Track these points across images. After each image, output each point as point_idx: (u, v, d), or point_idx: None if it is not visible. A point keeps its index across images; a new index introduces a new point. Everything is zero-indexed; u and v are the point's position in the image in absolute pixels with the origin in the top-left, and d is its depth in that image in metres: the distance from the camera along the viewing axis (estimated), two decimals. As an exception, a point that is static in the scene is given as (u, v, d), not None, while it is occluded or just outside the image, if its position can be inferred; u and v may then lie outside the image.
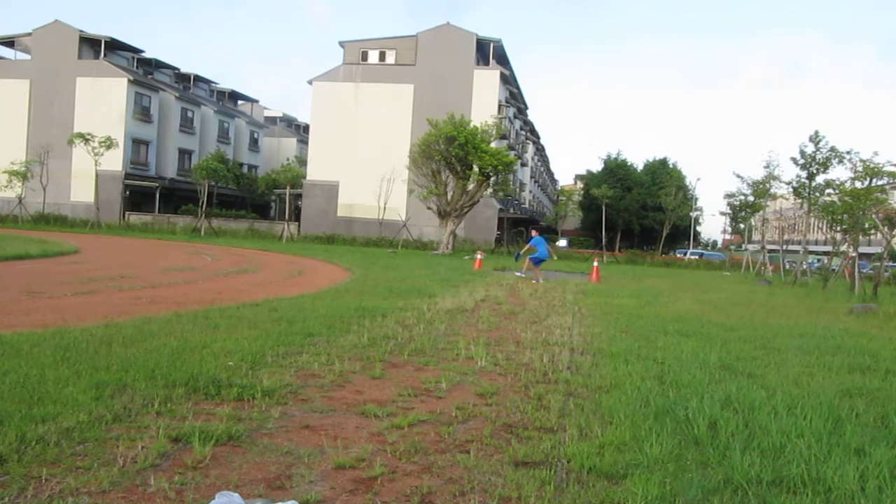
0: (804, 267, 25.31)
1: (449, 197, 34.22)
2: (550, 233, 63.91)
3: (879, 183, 22.44)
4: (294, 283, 14.44)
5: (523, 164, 59.54)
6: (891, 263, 24.57)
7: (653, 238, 56.86)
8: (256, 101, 67.42)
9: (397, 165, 36.78)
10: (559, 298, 13.21)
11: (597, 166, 64.66)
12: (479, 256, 23.73)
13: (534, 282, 17.97)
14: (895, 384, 5.87)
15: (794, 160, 26.48)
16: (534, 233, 20.38)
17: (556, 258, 19.62)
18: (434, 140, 33.11)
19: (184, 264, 18.19)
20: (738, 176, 41.96)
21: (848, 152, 24.39)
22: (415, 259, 26.33)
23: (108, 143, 39.71)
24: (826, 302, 15.41)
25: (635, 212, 56.68)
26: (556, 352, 6.98)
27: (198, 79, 58.07)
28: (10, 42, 50.20)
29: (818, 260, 32.17)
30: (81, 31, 47.93)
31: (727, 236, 63.12)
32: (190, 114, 53.24)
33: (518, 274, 19.15)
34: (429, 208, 34.92)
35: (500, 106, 43.92)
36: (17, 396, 4.16)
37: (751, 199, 35.39)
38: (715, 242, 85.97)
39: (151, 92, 49.44)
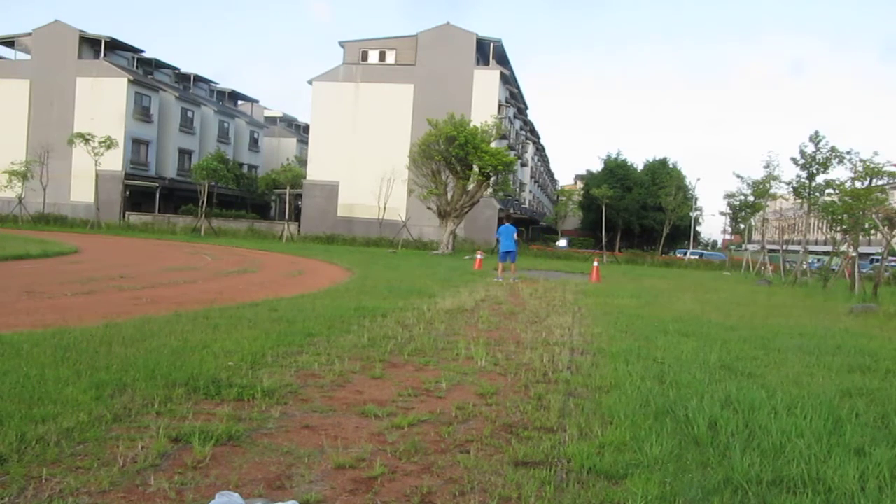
0: (804, 267, 25.31)
1: (449, 197, 34.22)
2: (551, 233, 63.91)
3: (879, 183, 22.49)
4: (294, 283, 14.43)
5: (523, 164, 59.55)
6: (891, 263, 24.56)
7: (653, 238, 56.84)
8: (256, 101, 67.41)
9: (397, 165, 36.77)
10: (559, 298, 13.21)
11: (597, 166, 64.64)
12: (479, 256, 23.73)
13: (496, 280, 16.78)
14: (895, 384, 5.87)
15: (794, 160, 26.54)
16: (504, 221, 18.52)
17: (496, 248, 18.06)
18: (434, 140, 33.11)
19: (184, 264, 18.19)
20: (738, 176, 42.08)
21: (848, 152, 24.49)
22: (415, 259, 26.34)
23: (108, 143, 39.70)
24: (826, 302, 15.41)
25: (635, 212, 56.63)
26: (556, 352, 6.98)
27: (198, 79, 58.06)
28: (10, 42, 50.20)
29: (818, 260, 32.16)
30: (81, 31, 47.92)
31: (727, 236, 63.13)
32: (190, 114, 53.24)
33: (512, 280, 17.12)
34: (429, 208, 34.93)
35: (500, 106, 43.92)
36: (17, 396, 4.16)
37: (751, 199, 35.42)
38: (715, 242, 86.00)
39: (151, 92, 49.44)
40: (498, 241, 17.84)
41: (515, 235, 18.25)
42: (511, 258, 17.80)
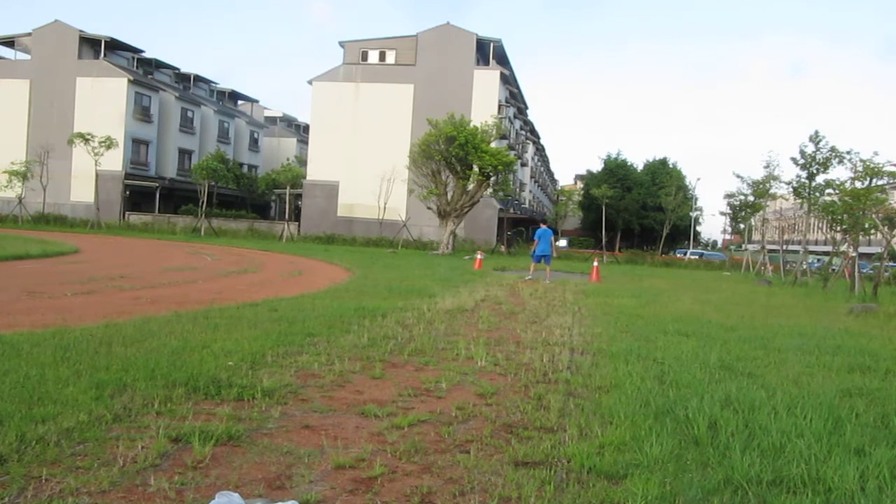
0: (804, 267, 25.29)
1: (449, 197, 34.21)
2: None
3: (879, 183, 22.44)
4: (294, 283, 14.43)
5: (523, 164, 59.52)
6: (891, 263, 24.53)
7: (653, 238, 56.84)
8: (256, 101, 67.40)
9: (397, 165, 36.77)
10: (559, 298, 13.20)
11: (597, 166, 64.68)
12: (479, 256, 23.74)
13: (527, 278, 18.00)
14: (895, 384, 5.87)
15: (794, 160, 26.52)
16: (542, 225, 19.96)
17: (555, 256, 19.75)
18: (434, 140, 33.10)
19: (184, 264, 18.19)
20: (738, 176, 41.99)
21: (848, 152, 24.44)
22: (415, 259, 26.33)
23: (108, 143, 39.68)
24: (826, 302, 15.40)
25: (635, 212, 56.66)
26: (556, 352, 6.98)
27: (198, 79, 58.05)
28: (10, 42, 50.18)
29: (818, 260, 32.14)
30: (81, 31, 47.91)
31: (727, 236, 63.11)
32: (190, 114, 53.23)
33: (546, 280, 18.12)
34: (429, 208, 34.92)
35: (500, 106, 43.90)
36: (17, 396, 4.16)
37: (751, 199, 35.42)
38: (715, 242, 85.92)
39: (151, 92, 49.43)
40: (536, 241, 19.18)
41: (552, 238, 19.49)
42: (546, 261, 19.04)
